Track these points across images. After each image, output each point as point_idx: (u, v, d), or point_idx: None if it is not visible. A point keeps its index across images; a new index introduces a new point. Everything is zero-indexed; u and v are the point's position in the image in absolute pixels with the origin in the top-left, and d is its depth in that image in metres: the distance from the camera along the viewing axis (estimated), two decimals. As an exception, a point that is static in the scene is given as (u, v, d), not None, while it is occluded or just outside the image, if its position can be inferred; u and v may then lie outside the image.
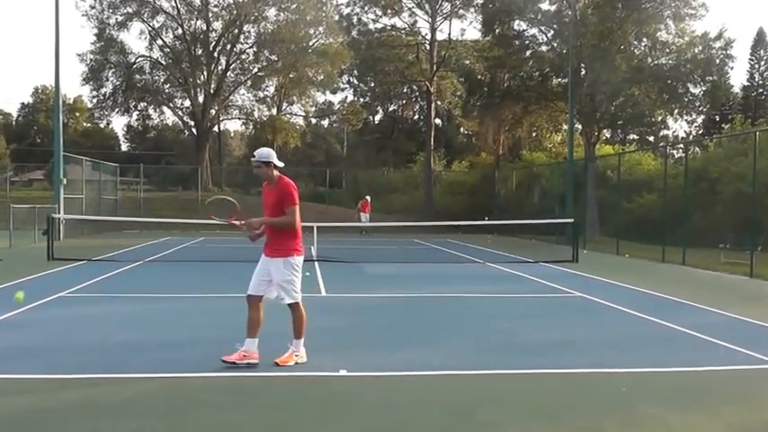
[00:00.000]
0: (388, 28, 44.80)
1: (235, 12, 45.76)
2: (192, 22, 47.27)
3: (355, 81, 52.61)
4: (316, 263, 17.43)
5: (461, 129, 58.39)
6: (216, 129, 55.52)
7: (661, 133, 44.56)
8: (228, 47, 47.74)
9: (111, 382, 6.15)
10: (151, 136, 72.53)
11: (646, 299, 12.17)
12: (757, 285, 14.81)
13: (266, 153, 6.72)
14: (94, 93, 48.83)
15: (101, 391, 5.88)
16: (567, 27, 31.88)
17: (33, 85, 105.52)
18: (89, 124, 72.67)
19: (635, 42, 33.13)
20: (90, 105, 55.96)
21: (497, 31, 38.14)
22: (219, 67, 47.92)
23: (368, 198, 33.60)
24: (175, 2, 45.67)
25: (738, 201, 21.16)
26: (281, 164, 6.76)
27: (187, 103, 49.37)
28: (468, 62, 44.94)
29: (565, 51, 32.52)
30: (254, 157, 6.72)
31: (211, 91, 46.95)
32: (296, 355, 6.77)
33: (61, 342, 7.96)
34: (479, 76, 43.63)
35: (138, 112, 53.21)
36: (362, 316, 10.20)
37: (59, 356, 7.17)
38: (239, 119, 56.49)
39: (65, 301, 10.82)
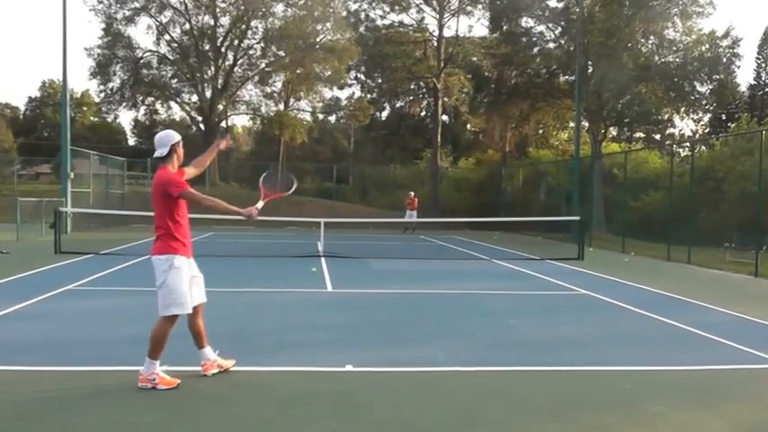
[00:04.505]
0: (396, 24, 44.75)
1: (242, 7, 45.76)
2: (200, 18, 47.25)
3: (362, 77, 52.51)
4: (322, 258, 17.50)
5: (468, 126, 58.34)
6: (223, 124, 55.63)
7: (667, 131, 44.55)
8: (236, 42, 47.73)
9: (118, 374, 6.20)
10: (158, 131, 72.55)
11: (651, 297, 12.19)
12: (762, 285, 14.80)
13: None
14: (102, 87, 48.88)
15: (108, 384, 5.94)
16: (575, 24, 31.88)
17: (41, 79, 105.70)
18: (96, 119, 72.75)
19: (642, 40, 33.15)
20: (97, 100, 56.04)
21: (505, 28, 38.25)
22: (227, 63, 47.91)
23: (411, 193, 32.15)
24: (183, -3, 45.79)
25: (744, 200, 21.14)
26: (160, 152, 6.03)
27: (194, 98, 49.43)
28: (475, 59, 44.90)
29: (572, 49, 32.52)
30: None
31: (219, 86, 46.97)
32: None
33: (68, 335, 8.03)
34: (486, 73, 43.71)
35: (145, 107, 53.33)
36: (368, 312, 10.24)
37: (67, 349, 7.24)
38: (247, 114, 56.53)
39: (72, 295, 10.89)
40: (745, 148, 24.81)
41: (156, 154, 5.98)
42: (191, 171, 6.38)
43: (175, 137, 6.09)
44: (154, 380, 5.74)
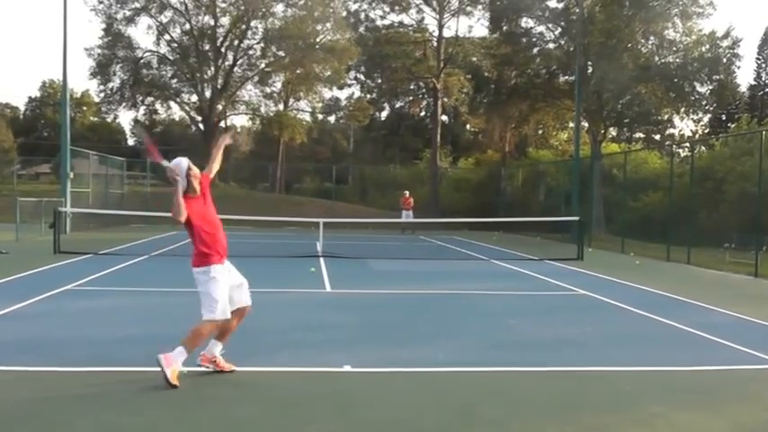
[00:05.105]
0: (396, 24, 44.76)
1: (242, 7, 45.74)
2: (200, 18, 47.19)
3: (362, 77, 52.43)
4: (321, 258, 17.49)
5: (468, 126, 58.33)
6: (223, 124, 55.63)
7: (667, 132, 44.54)
8: (236, 42, 47.66)
9: (118, 374, 6.20)
10: (158, 131, 72.56)
11: (650, 297, 12.18)
12: (762, 285, 14.80)
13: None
14: (102, 87, 48.76)
15: (107, 384, 5.93)
16: (575, 25, 31.86)
17: (41, 79, 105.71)
18: (96, 118, 72.73)
19: (642, 41, 33.13)
20: (97, 100, 55.96)
21: (505, 28, 38.21)
22: (227, 63, 47.85)
23: (407, 192, 31.57)
24: (183, -3, 45.77)
25: (744, 200, 21.14)
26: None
27: (194, 98, 49.36)
28: (475, 59, 44.89)
29: (572, 49, 32.50)
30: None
31: (218, 86, 46.94)
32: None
33: (67, 335, 8.02)
34: (486, 74, 43.70)
35: (145, 107, 53.17)
36: (367, 312, 10.23)
37: (65, 349, 7.22)
38: (246, 114, 56.49)
39: (71, 295, 10.88)
40: (745, 148, 24.81)
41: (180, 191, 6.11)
42: (214, 169, 6.68)
43: (184, 164, 6.14)
44: (171, 366, 5.73)
